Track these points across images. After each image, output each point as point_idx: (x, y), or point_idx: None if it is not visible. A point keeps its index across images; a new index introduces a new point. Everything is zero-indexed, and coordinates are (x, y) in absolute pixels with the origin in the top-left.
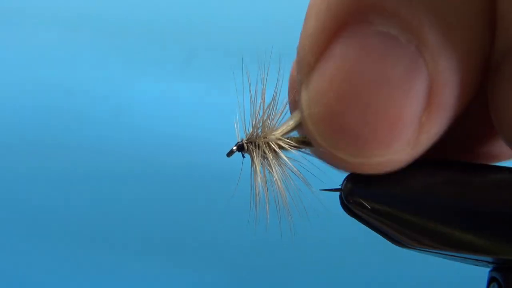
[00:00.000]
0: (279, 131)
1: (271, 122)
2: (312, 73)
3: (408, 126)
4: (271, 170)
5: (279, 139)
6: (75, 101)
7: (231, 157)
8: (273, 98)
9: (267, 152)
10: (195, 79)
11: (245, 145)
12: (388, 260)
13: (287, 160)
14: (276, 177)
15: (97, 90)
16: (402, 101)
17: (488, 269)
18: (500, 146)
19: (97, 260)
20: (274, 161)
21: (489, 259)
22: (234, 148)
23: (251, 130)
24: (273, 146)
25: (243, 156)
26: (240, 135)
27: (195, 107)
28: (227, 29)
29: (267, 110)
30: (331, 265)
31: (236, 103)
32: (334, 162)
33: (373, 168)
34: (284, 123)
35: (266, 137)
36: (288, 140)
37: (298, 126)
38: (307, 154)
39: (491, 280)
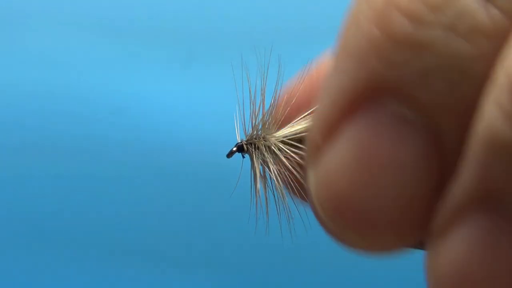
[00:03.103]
0: (280, 132)
1: (271, 123)
2: (320, 155)
3: (421, 212)
4: (270, 172)
5: (279, 140)
6: (73, 101)
7: (231, 158)
8: (273, 99)
9: (266, 154)
10: (194, 79)
11: (244, 146)
12: (387, 259)
13: (286, 162)
14: (276, 178)
15: (96, 90)
16: (414, 187)
17: None
18: None
19: (96, 263)
20: (273, 162)
21: None
22: (234, 149)
23: (251, 130)
24: (273, 148)
25: (243, 157)
26: (240, 136)
27: (194, 107)
28: (227, 29)
29: (267, 111)
30: (331, 265)
31: (236, 103)
32: (341, 242)
33: (382, 250)
34: (288, 126)
35: (265, 139)
36: (287, 143)
37: (303, 133)
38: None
39: None
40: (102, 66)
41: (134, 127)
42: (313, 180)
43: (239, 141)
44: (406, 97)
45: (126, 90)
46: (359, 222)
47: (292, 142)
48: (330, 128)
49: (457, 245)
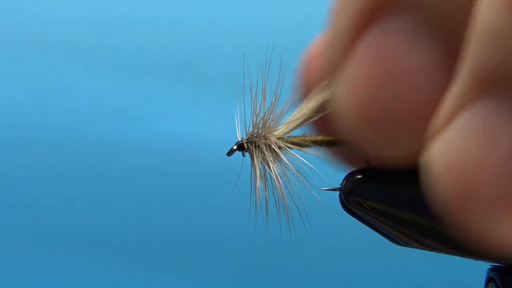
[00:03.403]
0: (280, 130)
1: (271, 121)
2: (342, 71)
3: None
4: (270, 170)
5: (279, 139)
6: (77, 103)
7: (231, 156)
8: (274, 97)
9: (266, 153)
10: (196, 78)
11: (245, 144)
12: (388, 259)
13: (287, 161)
14: (276, 177)
15: (98, 91)
16: (428, 89)
17: (487, 266)
18: None
19: (96, 262)
20: (273, 161)
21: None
22: (235, 147)
23: (251, 129)
24: (273, 147)
25: (243, 155)
26: (241, 134)
27: (195, 107)
28: (227, 29)
29: (268, 110)
30: (331, 264)
31: (237, 102)
32: (364, 152)
33: (403, 158)
34: (286, 121)
35: (266, 137)
36: (287, 142)
37: (304, 122)
38: (307, 153)
39: (489, 280)
40: (103, 66)
41: (134, 127)
42: (338, 91)
43: (240, 140)
44: (414, 7)
45: (127, 91)
46: (380, 124)
47: (293, 140)
48: (348, 45)
49: (455, 134)
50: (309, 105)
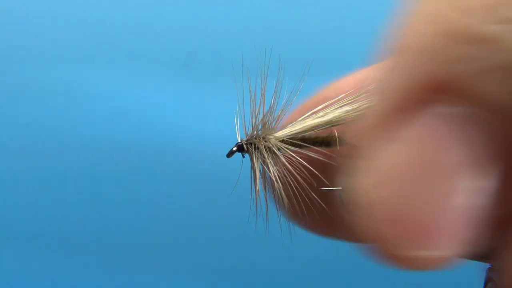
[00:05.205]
0: (280, 132)
1: (271, 123)
2: (374, 156)
3: (473, 222)
4: (269, 171)
5: (279, 141)
6: (74, 102)
7: (231, 157)
8: (273, 99)
9: (265, 155)
10: (195, 79)
11: (244, 145)
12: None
13: (286, 162)
14: (275, 178)
15: (97, 91)
16: (481, 194)
17: (486, 266)
18: None
19: (95, 263)
20: (273, 162)
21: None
22: (234, 148)
23: (251, 130)
24: (273, 148)
25: (243, 156)
26: (240, 135)
27: (195, 106)
28: (227, 30)
29: (268, 111)
30: (331, 265)
31: (237, 104)
32: (387, 256)
33: (432, 263)
34: (288, 126)
35: (265, 139)
36: (287, 144)
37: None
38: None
39: (488, 280)
40: (102, 66)
41: (134, 128)
42: (363, 183)
43: (239, 141)
44: (473, 96)
45: (127, 92)
46: (410, 229)
47: (293, 141)
48: (385, 130)
49: None
50: (318, 119)
